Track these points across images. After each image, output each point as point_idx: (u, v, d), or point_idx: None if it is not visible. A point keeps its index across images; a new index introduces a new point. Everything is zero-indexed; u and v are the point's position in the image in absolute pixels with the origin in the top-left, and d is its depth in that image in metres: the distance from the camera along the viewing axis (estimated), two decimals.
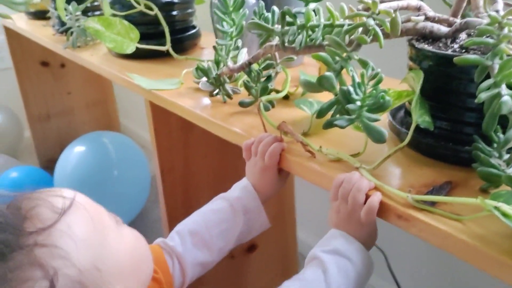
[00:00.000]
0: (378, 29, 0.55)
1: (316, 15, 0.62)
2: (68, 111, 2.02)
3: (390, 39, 0.59)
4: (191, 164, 1.00)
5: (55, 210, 0.51)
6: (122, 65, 1.03)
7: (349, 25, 0.58)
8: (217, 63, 0.78)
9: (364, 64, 0.54)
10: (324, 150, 0.59)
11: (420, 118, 0.53)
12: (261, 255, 1.19)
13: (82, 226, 0.52)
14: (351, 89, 0.50)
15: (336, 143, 0.63)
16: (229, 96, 0.79)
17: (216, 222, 0.69)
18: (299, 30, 0.62)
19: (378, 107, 0.49)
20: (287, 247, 1.23)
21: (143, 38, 0.98)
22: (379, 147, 0.59)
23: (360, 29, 0.57)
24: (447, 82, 0.54)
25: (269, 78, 0.74)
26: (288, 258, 1.25)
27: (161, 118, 0.93)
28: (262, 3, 0.68)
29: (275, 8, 0.66)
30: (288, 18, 0.63)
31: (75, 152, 1.71)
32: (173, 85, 0.88)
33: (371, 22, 0.55)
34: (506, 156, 0.49)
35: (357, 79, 0.51)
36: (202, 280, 1.11)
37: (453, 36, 0.57)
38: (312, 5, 0.63)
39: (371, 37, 0.57)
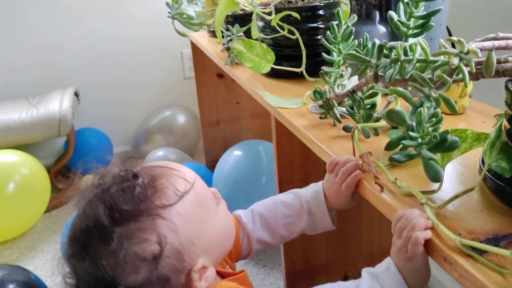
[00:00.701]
0: (464, 69, 0.55)
1: (411, 51, 0.63)
2: (235, 119, 2.24)
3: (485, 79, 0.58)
4: (309, 179, 1.06)
5: (177, 192, 0.67)
6: (263, 82, 1.14)
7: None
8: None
9: (445, 101, 0.54)
10: (398, 182, 0.60)
11: (495, 162, 0.51)
12: None
13: (192, 209, 0.68)
14: (414, 125, 0.51)
15: (421, 178, 0.63)
16: (338, 120, 0.83)
17: (284, 215, 0.81)
18: (392, 64, 0.63)
19: (437, 145, 0.49)
20: None
21: (287, 59, 1.09)
22: (459, 188, 0.58)
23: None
24: None
25: (373, 106, 0.76)
26: None
27: (284, 133, 1.01)
28: (367, 35, 0.71)
29: (376, 41, 0.69)
30: (385, 51, 0.65)
31: (233, 155, 1.89)
32: (296, 104, 0.95)
33: (455, 61, 0.55)
34: None
35: (426, 114, 0.52)
36: None
37: None
38: (412, 40, 0.65)
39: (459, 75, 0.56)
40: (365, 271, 0.62)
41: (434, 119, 0.49)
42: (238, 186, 1.81)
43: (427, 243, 0.52)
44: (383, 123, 0.76)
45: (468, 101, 0.84)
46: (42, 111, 2.18)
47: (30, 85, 2.46)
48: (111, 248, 0.62)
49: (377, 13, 0.92)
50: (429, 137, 0.50)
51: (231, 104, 2.21)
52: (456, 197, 0.53)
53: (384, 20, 0.92)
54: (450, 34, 0.96)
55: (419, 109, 0.53)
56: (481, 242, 0.48)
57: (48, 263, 1.86)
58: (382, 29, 0.92)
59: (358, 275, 1.17)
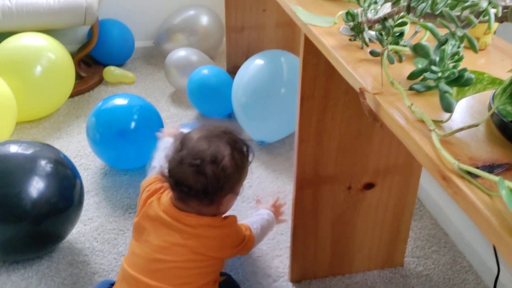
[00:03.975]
0: (491, 12, 0.59)
1: None
2: (260, 27, 2.26)
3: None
4: (330, 97, 1.12)
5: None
6: None
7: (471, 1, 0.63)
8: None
9: (468, 41, 0.59)
10: (413, 108, 0.67)
11: (503, 105, 0.58)
12: (377, 194, 1.29)
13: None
14: (437, 61, 0.57)
15: (434, 108, 0.69)
16: (366, 44, 0.88)
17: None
18: None
19: (454, 80, 0.55)
20: (406, 193, 1.30)
21: None
22: (468, 121, 0.65)
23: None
24: None
25: (401, 34, 0.81)
26: (403, 203, 1.32)
27: (312, 50, 1.05)
28: None
29: None
30: None
31: (255, 64, 1.94)
32: (327, 23, 1.00)
33: (484, 4, 0.59)
34: None
35: (448, 52, 0.58)
36: (319, 206, 1.27)
37: None
38: None
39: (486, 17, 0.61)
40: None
41: (456, 56, 0.55)
42: (257, 95, 1.88)
43: (430, 163, 0.60)
44: (407, 48, 0.82)
45: (491, 38, 0.88)
46: None
47: None
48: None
49: None
50: (448, 72, 0.56)
51: (258, 11, 2.22)
52: (461, 129, 0.60)
53: None
54: None
55: (443, 46, 0.58)
56: (477, 168, 0.56)
57: (73, 145, 1.99)
58: None
59: (361, 187, 1.28)
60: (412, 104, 0.67)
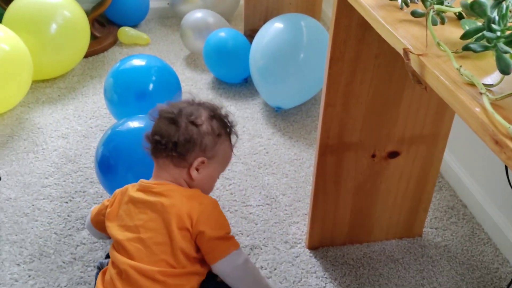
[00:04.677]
0: None
1: None
2: None
3: None
4: (360, 60, 1.09)
5: None
6: None
7: None
8: None
9: None
10: (462, 70, 0.63)
11: None
12: (400, 163, 1.27)
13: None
14: (496, 19, 0.54)
15: (483, 71, 0.66)
16: (407, 4, 0.84)
17: None
18: None
19: None
20: (430, 163, 1.28)
21: None
22: None
23: None
24: None
25: None
26: (427, 173, 1.30)
27: (345, 10, 1.01)
28: None
29: None
30: None
31: (274, 27, 1.89)
32: None
33: None
34: None
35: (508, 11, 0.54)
36: (341, 173, 1.25)
37: None
38: None
39: None
40: None
41: None
42: (275, 59, 1.84)
43: (481, 127, 0.57)
44: (453, 9, 0.78)
45: None
46: None
47: None
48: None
49: None
50: (508, 32, 0.53)
51: None
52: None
53: None
54: None
55: (502, 3, 0.55)
56: None
57: (88, 106, 1.97)
58: None
59: (385, 155, 1.25)
60: (461, 66, 0.64)
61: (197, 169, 1.04)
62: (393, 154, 1.24)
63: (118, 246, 1.01)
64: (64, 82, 2.12)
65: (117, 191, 1.09)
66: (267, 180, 1.64)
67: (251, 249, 1.40)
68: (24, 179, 1.61)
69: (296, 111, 1.98)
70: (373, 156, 1.24)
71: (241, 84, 2.13)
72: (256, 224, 1.48)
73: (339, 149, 1.21)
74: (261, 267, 1.34)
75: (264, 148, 1.78)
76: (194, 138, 1.02)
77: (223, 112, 1.10)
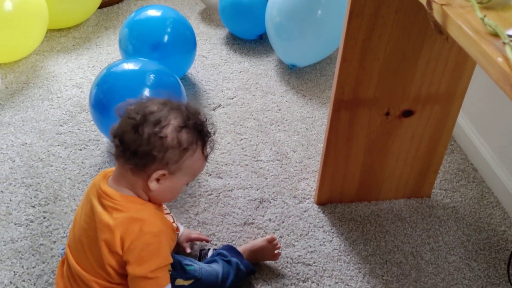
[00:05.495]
0: None
1: None
2: None
3: None
4: (379, 15, 1.07)
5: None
6: None
7: None
8: None
9: None
10: (486, 20, 0.62)
11: None
12: (414, 122, 1.26)
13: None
14: None
15: (507, 22, 0.65)
16: None
17: None
18: None
19: None
20: (444, 123, 1.28)
21: None
22: None
23: None
24: None
25: None
26: (440, 133, 1.30)
27: None
28: None
29: None
30: None
31: None
32: None
33: None
34: None
35: None
36: (354, 130, 1.25)
37: None
38: None
39: None
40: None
41: None
42: (291, 16, 1.82)
43: (503, 77, 0.57)
44: None
45: None
46: None
47: None
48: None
49: None
50: None
51: None
52: None
53: None
54: None
55: None
56: None
57: (103, 56, 1.97)
58: None
59: (399, 114, 1.25)
60: (485, 16, 0.63)
61: (157, 180, 0.92)
62: (407, 113, 1.24)
63: (70, 241, 1.01)
64: (79, 32, 2.11)
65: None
66: (278, 137, 1.65)
67: (260, 202, 1.42)
68: (39, 126, 1.63)
69: (310, 69, 1.97)
70: (387, 114, 1.23)
71: (256, 41, 2.12)
72: (266, 178, 1.50)
73: (353, 105, 1.21)
74: (269, 220, 1.37)
75: (277, 105, 1.78)
76: (154, 153, 0.89)
77: (199, 119, 0.95)
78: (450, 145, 1.62)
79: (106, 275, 0.94)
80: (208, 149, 0.98)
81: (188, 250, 1.23)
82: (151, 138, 0.89)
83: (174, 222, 1.19)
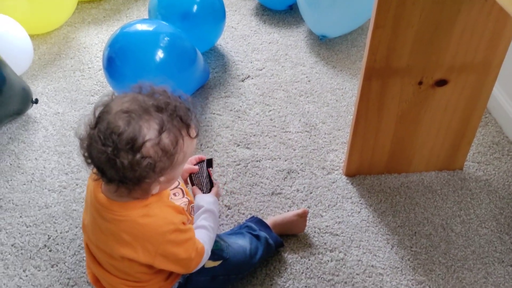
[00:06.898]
0: None
1: None
2: None
3: None
4: None
5: None
6: None
7: None
8: None
9: None
10: None
11: None
12: (448, 92, 1.23)
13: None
14: None
15: None
16: None
17: None
18: None
19: None
20: (478, 94, 1.24)
21: None
22: None
23: None
24: None
25: None
26: (475, 104, 1.26)
27: None
28: None
29: None
30: None
31: None
32: None
33: None
34: None
35: None
36: (385, 99, 1.23)
37: None
38: None
39: None
40: None
41: None
42: None
43: None
44: None
45: None
46: None
47: None
48: None
49: None
50: None
51: None
52: None
53: None
54: None
55: None
56: None
57: None
58: None
59: (432, 83, 1.22)
60: None
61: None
62: (441, 82, 1.21)
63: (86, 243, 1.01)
64: (109, 3, 2.12)
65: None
66: (307, 108, 1.63)
67: (288, 173, 1.42)
68: (71, 96, 1.66)
69: (341, 40, 1.93)
70: (420, 83, 1.20)
71: (286, 11, 2.08)
72: (294, 149, 1.49)
73: (385, 74, 1.18)
74: (297, 190, 1.37)
75: (306, 77, 1.76)
76: (143, 174, 0.82)
77: (171, 104, 0.85)
78: (485, 117, 1.58)
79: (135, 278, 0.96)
80: (194, 130, 0.88)
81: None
82: (134, 166, 0.80)
83: (184, 196, 1.10)
